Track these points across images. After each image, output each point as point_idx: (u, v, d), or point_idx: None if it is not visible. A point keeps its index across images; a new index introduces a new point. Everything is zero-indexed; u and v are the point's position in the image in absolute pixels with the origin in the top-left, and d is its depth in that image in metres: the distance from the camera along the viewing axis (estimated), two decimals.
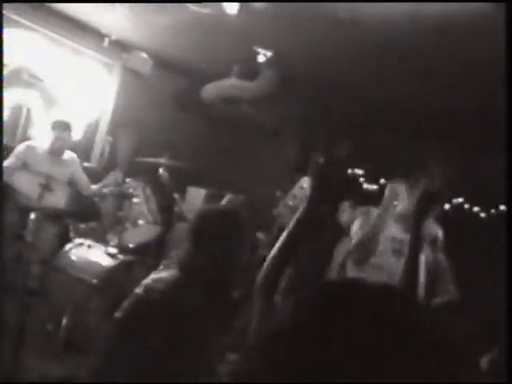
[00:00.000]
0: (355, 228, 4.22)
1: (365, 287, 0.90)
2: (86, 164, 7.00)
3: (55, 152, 6.08)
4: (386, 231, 4.11)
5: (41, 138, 6.53)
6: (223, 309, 3.19)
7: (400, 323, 0.83)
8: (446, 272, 4.26)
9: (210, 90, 7.08)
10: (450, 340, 0.83)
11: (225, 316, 3.19)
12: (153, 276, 3.29)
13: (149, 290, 3.20)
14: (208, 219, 3.38)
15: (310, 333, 0.83)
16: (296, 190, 3.34)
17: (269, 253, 3.69)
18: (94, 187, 6.00)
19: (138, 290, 3.24)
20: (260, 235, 5.41)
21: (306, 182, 3.33)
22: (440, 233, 4.19)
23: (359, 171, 8.70)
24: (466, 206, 8.61)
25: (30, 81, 6.62)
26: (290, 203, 3.29)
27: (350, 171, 8.58)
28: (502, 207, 8.43)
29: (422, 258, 4.23)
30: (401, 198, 4.20)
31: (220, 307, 3.17)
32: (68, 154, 6.21)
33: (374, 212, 4.11)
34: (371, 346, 0.79)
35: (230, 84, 6.74)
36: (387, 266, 4.06)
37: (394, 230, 4.18)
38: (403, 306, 0.87)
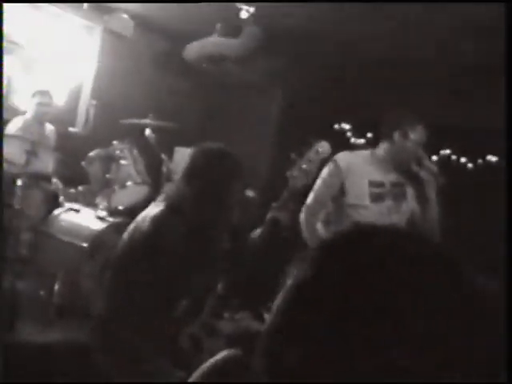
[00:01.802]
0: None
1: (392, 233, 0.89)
2: (71, 129, 6.94)
3: (38, 118, 6.07)
4: (361, 177, 4.09)
5: (22, 104, 6.49)
6: (205, 247, 3.22)
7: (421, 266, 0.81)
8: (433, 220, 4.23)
9: (193, 49, 7.00)
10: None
11: (206, 254, 3.21)
12: (142, 213, 3.34)
13: (136, 227, 3.25)
14: (202, 157, 3.38)
15: (334, 282, 0.81)
16: (311, 154, 3.33)
17: (258, 211, 3.69)
18: None
19: (128, 229, 3.32)
20: (250, 193, 5.40)
21: (321, 147, 3.33)
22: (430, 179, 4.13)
23: (346, 126, 8.69)
24: (454, 157, 8.63)
25: (8, 46, 6.51)
26: (305, 167, 3.29)
27: (337, 126, 8.56)
28: (489, 157, 8.45)
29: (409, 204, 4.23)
30: (380, 144, 4.19)
31: (202, 245, 3.20)
32: (48, 127, 6.23)
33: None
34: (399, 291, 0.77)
35: (213, 42, 6.67)
36: (365, 211, 4.04)
37: (371, 174, 4.14)
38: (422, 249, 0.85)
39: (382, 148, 4.16)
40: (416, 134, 4.02)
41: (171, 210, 3.27)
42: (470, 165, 8.58)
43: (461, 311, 0.79)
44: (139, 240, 3.24)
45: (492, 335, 0.79)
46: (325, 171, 4.09)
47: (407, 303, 0.76)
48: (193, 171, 3.34)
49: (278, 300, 0.84)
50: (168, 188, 3.80)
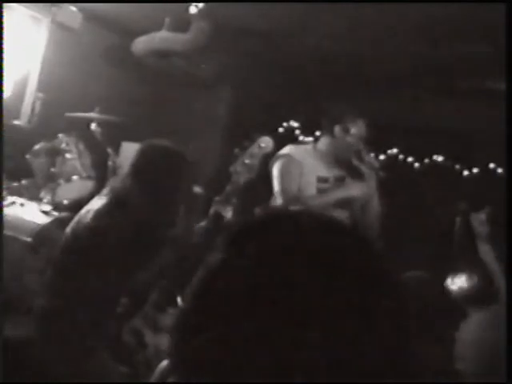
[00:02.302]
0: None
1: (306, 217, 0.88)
2: (15, 122, 6.82)
3: None
4: (311, 172, 4.12)
5: None
6: (149, 242, 3.22)
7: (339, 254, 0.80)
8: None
9: (141, 44, 6.94)
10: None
11: (149, 249, 3.21)
12: (86, 206, 3.33)
13: (79, 221, 3.27)
14: (150, 153, 3.38)
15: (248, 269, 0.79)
16: (254, 149, 3.34)
17: (206, 207, 3.69)
18: None
19: (71, 223, 3.31)
20: (197, 189, 5.39)
21: (264, 142, 3.34)
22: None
23: (295, 124, 8.73)
24: (401, 156, 8.75)
25: None
26: (247, 161, 3.30)
27: (285, 124, 8.60)
28: (435, 157, 8.59)
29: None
30: (322, 138, 4.23)
31: (146, 240, 3.19)
32: None
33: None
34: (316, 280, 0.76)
35: (161, 37, 6.62)
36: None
37: (318, 169, 4.17)
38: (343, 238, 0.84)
39: (323, 142, 4.20)
40: (356, 129, 4.07)
41: (115, 203, 3.25)
42: (416, 164, 8.71)
43: (370, 299, 0.77)
44: (82, 233, 3.21)
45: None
46: (283, 165, 4.11)
47: (316, 288, 0.75)
48: (140, 167, 3.34)
49: (191, 285, 0.84)
50: (113, 182, 3.78)
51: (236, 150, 3.40)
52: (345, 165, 4.20)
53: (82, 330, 3.10)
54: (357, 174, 4.17)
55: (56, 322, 3.18)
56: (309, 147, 4.31)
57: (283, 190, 4.09)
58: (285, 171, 4.12)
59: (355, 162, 4.14)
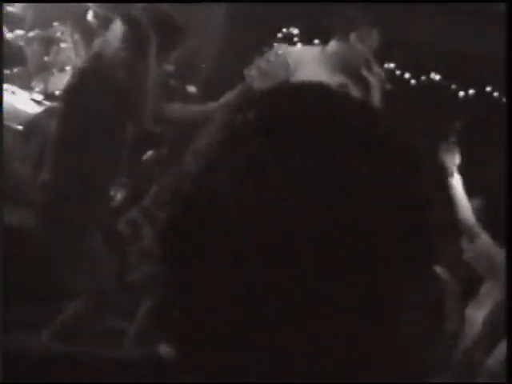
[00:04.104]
0: None
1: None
2: (10, 9, 6.64)
3: None
4: (307, 77, 3.99)
5: None
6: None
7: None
8: None
9: None
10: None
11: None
12: None
13: None
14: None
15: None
16: (272, 55, 3.27)
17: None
18: None
19: None
20: (191, 88, 5.31)
21: (281, 49, 3.27)
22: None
23: (294, 30, 8.56)
24: (397, 72, 8.65)
25: None
26: (263, 65, 3.22)
27: (285, 30, 8.43)
28: (433, 75, 8.51)
29: None
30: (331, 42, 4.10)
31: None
32: None
33: None
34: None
35: None
36: None
37: (318, 74, 4.03)
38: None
39: (334, 46, 4.08)
40: (370, 38, 3.98)
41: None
42: (413, 81, 8.62)
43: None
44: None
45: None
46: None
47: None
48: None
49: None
50: None
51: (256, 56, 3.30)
52: (350, 73, 4.10)
53: (81, 214, 3.10)
54: (361, 83, 4.09)
55: (57, 207, 3.17)
56: (316, 49, 4.21)
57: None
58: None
59: (363, 71, 4.06)
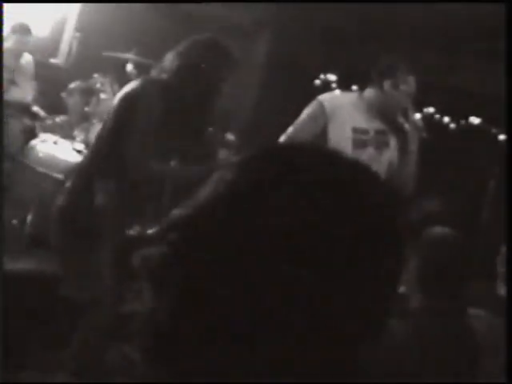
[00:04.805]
0: None
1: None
2: (52, 60, 6.83)
3: (16, 52, 5.90)
4: (345, 122, 4.01)
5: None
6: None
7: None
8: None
9: None
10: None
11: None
12: None
13: None
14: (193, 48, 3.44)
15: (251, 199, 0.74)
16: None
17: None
18: None
19: None
20: (229, 136, 5.34)
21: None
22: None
23: (332, 77, 8.60)
24: (437, 116, 8.61)
25: None
26: None
27: (322, 76, 8.47)
28: (472, 119, 8.45)
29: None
30: (368, 89, 4.12)
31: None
32: (27, 57, 6.04)
33: None
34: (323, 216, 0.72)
35: None
36: None
37: (356, 120, 4.06)
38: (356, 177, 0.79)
39: (371, 93, 4.08)
40: (406, 85, 3.97)
41: (150, 82, 3.19)
42: (452, 125, 8.56)
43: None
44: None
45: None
46: (307, 109, 4.03)
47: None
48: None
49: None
50: None
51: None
52: (388, 120, 4.09)
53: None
54: (398, 131, 4.08)
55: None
56: (353, 95, 4.21)
57: (288, 135, 4.02)
58: (303, 117, 4.05)
59: (400, 119, 4.05)
